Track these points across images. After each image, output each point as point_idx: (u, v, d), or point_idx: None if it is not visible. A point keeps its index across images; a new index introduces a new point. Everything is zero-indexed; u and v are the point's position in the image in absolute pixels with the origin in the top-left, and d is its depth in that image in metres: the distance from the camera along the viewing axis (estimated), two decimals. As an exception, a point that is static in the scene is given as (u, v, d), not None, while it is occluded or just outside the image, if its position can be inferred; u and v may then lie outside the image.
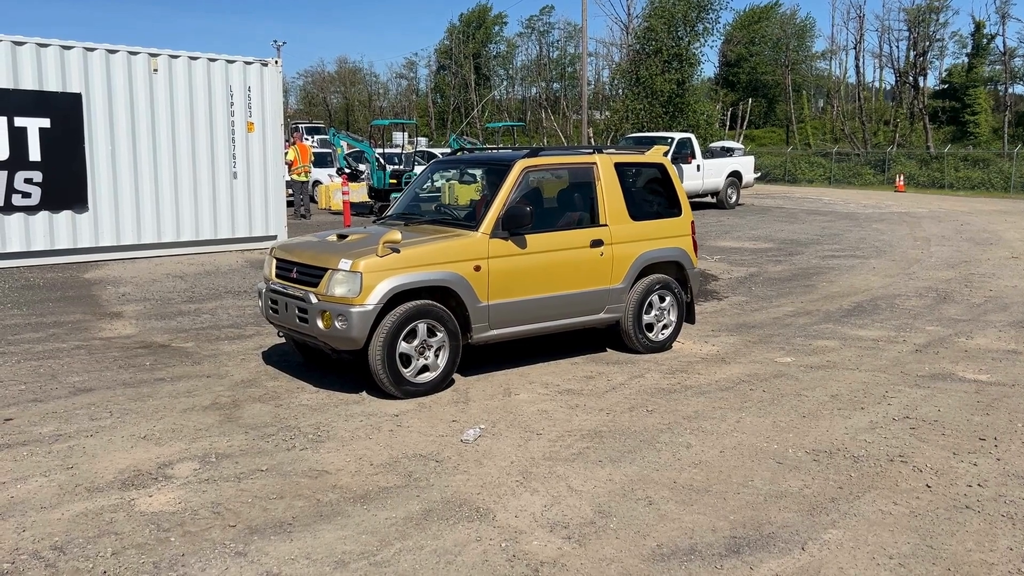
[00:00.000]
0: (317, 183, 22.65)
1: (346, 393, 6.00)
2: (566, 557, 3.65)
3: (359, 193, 20.67)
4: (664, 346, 7.33)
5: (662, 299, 7.25)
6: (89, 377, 6.36)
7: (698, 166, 21.68)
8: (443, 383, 6.05)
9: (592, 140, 39.25)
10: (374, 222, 7.33)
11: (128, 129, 12.09)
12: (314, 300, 5.82)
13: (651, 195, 7.50)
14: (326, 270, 5.83)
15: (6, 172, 11.15)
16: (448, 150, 26.34)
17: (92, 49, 11.74)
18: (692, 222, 7.54)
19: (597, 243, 6.77)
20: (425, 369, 5.95)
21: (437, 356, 5.98)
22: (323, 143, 33.09)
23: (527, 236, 6.35)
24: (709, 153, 23.71)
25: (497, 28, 66.12)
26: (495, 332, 6.29)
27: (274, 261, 6.43)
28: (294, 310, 5.98)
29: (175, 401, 5.80)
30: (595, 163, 6.94)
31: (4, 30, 11.15)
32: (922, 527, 3.98)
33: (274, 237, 13.28)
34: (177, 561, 3.58)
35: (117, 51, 11.95)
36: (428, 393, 5.93)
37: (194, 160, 12.73)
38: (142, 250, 12.45)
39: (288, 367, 6.70)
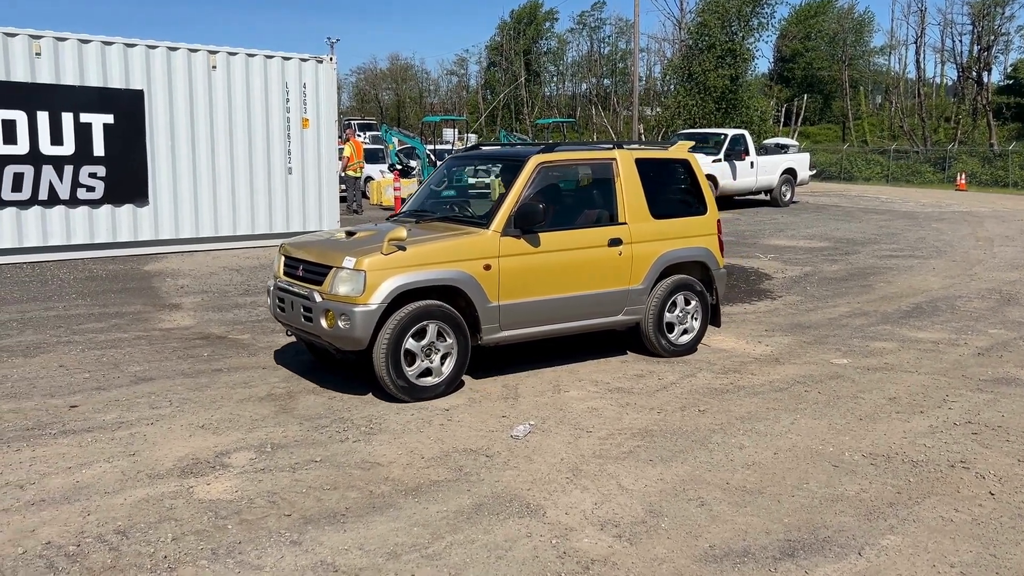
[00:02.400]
0: (369, 179, 22.90)
1: (397, 387, 6.05)
2: (617, 556, 3.64)
3: (410, 189, 20.84)
4: (687, 350, 7.06)
5: (686, 301, 7.01)
6: (149, 367, 6.53)
7: (752, 163, 21.35)
8: (451, 386, 5.86)
9: (642, 136, 38.96)
10: (388, 219, 7.17)
11: (187, 125, 12.39)
12: (318, 299, 5.68)
13: (675, 192, 7.23)
14: (331, 268, 5.70)
15: (71, 167, 11.51)
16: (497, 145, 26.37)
17: (154, 47, 12.06)
18: (718, 220, 7.26)
19: (615, 242, 6.54)
20: (432, 371, 5.77)
21: (445, 358, 5.81)
22: (375, 140, 33.44)
23: (541, 234, 6.14)
24: (763, 150, 23.33)
25: (548, 24, 66.01)
26: (506, 333, 6.10)
27: (282, 258, 6.31)
28: (300, 308, 5.86)
29: (232, 391, 5.92)
30: (614, 159, 6.72)
31: (71, 28, 11.52)
32: (985, 535, 3.86)
33: (327, 232, 13.45)
34: (234, 548, 3.66)
35: (178, 48, 12.25)
36: (435, 397, 5.75)
37: (250, 156, 12.98)
38: (200, 243, 12.75)
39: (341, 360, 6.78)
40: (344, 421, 5.33)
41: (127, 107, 11.85)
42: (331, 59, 13.78)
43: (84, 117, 11.53)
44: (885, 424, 5.39)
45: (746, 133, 22.07)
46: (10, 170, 11.09)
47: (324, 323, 5.62)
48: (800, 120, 47.80)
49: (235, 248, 13.00)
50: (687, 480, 4.46)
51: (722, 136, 21.39)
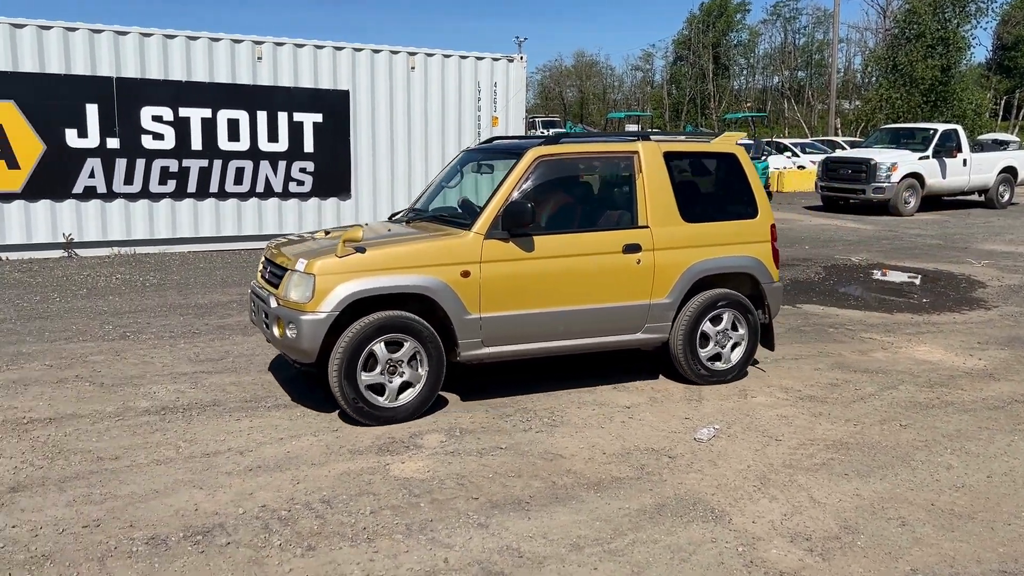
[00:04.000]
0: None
1: (579, 379, 6.11)
2: (808, 570, 3.49)
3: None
4: (728, 376, 6.09)
5: (728, 320, 6.03)
6: (350, 349, 6.96)
7: (964, 160, 19.63)
8: (421, 408, 5.24)
9: (839, 131, 36.90)
10: (389, 218, 6.62)
11: (387, 123, 13.12)
12: (273, 304, 5.22)
13: (716, 192, 6.31)
14: (286, 271, 5.24)
15: (285, 162, 12.53)
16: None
17: (360, 49, 12.85)
18: (772, 226, 6.19)
19: (632, 248, 5.67)
20: (398, 390, 5.19)
21: (413, 376, 5.20)
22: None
23: (537, 238, 5.41)
24: (978, 146, 21.37)
25: (739, 16, 63.83)
26: (491, 350, 5.41)
27: (263, 259, 5.89)
28: (262, 314, 5.42)
29: (423, 377, 6.20)
30: (636, 152, 5.83)
31: (288, 34, 12.50)
32: None
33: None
34: (427, 526, 3.85)
35: (381, 51, 12.99)
36: (402, 420, 5.16)
37: (443, 152, 13.54)
38: (394, 235, 13.44)
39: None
40: (527, 411, 5.45)
41: (334, 107, 12.72)
42: (521, 58, 14.09)
43: (297, 116, 12.51)
44: (1124, 454, 4.80)
45: (959, 128, 20.31)
46: (233, 165, 12.23)
47: (276, 331, 5.16)
48: (1022, 114, 43.33)
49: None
50: (886, 498, 4.19)
51: (931, 131, 19.83)
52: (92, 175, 11.38)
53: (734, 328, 6.10)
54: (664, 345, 6.01)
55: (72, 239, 11.41)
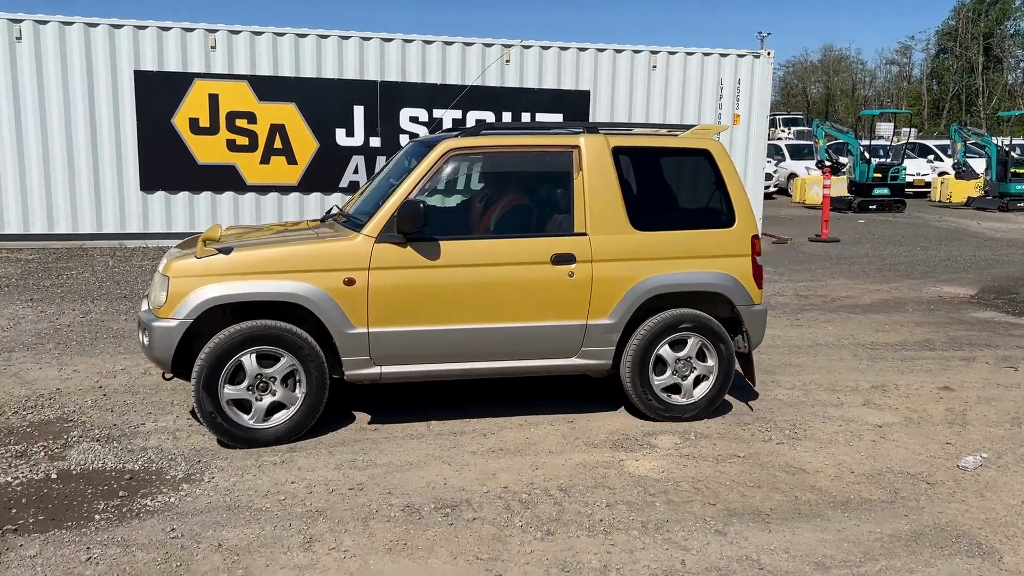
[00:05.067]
0: (793, 176, 22.17)
1: (823, 393, 5.81)
2: (1099, 627, 3.09)
3: (839, 187, 19.72)
4: (694, 412, 5.19)
5: (689, 346, 5.14)
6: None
7: None
8: (296, 431, 4.68)
9: None
10: (326, 214, 5.87)
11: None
12: (143, 307, 4.88)
13: (682, 195, 5.39)
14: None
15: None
16: (948, 142, 23.63)
17: (602, 50, 13.03)
18: (754, 237, 5.24)
19: (564, 259, 4.90)
20: (272, 411, 4.66)
21: (287, 397, 4.66)
22: (799, 135, 32.21)
23: (443, 243, 4.75)
24: None
25: (1019, 3, 57.06)
26: (384, 370, 4.79)
27: None
28: None
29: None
30: (576, 147, 5.03)
31: (544, 36, 12.94)
32: None
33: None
34: (662, 526, 3.84)
35: (623, 51, 13.07)
36: (277, 442, 4.64)
37: (680, 151, 13.37)
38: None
39: (764, 357, 6.69)
40: (766, 421, 5.27)
41: (575, 107, 12.98)
42: (769, 54, 13.57)
43: (539, 117, 12.92)
44: None
45: None
46: (478, 163, 12.86)
47: (140, 336, 4.77)
48: None
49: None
50: None
51: None
52: (356, 171, 12.49)
53: (700, 357, 5.20)
54: (612, 374, 5.23)
55: (336, 228, 12.58)
